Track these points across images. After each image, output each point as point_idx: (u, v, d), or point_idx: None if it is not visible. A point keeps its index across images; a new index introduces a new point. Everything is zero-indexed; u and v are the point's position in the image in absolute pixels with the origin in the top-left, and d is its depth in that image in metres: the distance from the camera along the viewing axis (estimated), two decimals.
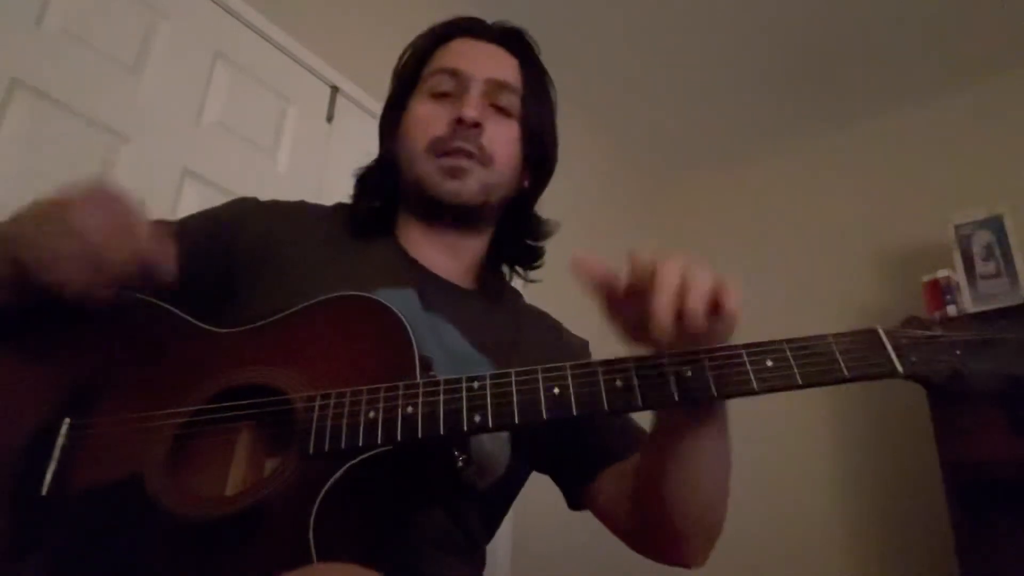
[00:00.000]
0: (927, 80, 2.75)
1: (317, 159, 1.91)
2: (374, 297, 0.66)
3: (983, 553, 1.87)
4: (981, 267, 2.19)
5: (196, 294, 0.75)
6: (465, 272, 0.87)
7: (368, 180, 0.89)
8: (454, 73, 0.83)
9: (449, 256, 0.86)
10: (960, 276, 2.19)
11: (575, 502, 0.83)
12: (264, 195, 0.89)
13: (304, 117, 1.92)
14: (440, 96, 0.83)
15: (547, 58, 0.92)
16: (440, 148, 0.80)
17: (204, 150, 1.66)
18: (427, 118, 0.82)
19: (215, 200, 0.93)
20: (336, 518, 0.57)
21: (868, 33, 2.55)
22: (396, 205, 0.89)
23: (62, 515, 0.61)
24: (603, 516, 0.80)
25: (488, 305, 0.86)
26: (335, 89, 2.00)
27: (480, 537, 0.79)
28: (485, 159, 0.81)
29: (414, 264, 0.83)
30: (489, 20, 0.92)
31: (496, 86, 0.83)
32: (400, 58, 0.91)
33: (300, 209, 0.88)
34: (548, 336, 0.89)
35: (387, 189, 0.88)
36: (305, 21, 1.96)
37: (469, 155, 0.80)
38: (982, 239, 2.22)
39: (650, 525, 0.73)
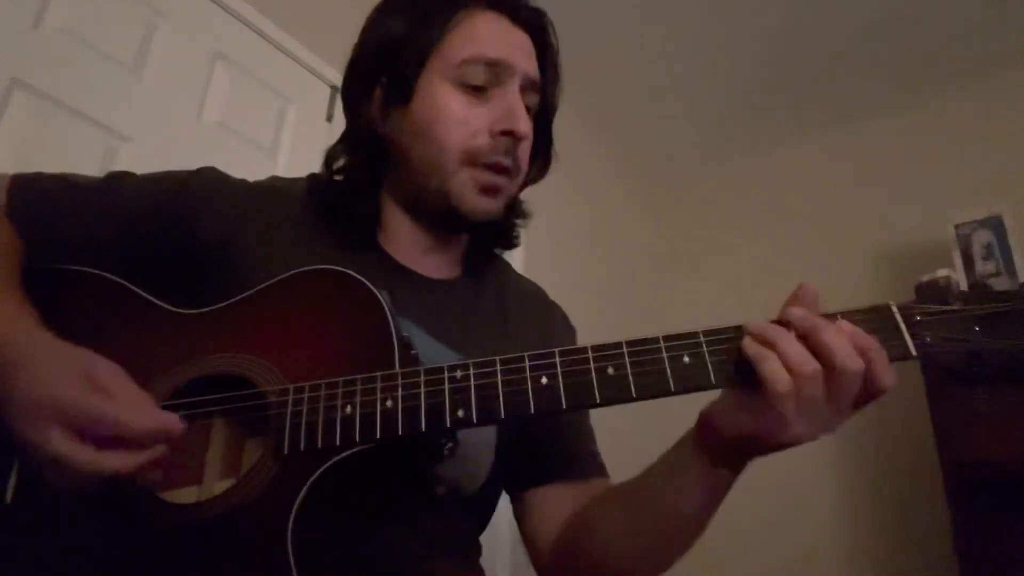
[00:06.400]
0: (927, 80, 2.74)
1: (317, 159, 1.89)
2: (344, 270, 0.62)
3: (983, 552, 1.87)
4: (981, 267, 2.18)
5: (155, 268, 0.72)
6: (450, 262, 0.82)
7: (354, 174, 0.78)
8: (494, 65, 0.72)
9: (436, 251, 0.80)
10: (960, 276, 2.19)
11: (514, 505, 0.79)
12: None
13: (304, 117, 1.92)
14: (473, 90, 0.72)
15: None
16: (478, 160, 0.71)
17: (204, 150, 1.65)
18: (464, 120, 0.71)
19: None
20: (317, 521, 0.54)
21: (868, 33, 2.55)
22: (379, 192, 0.80)
23: (28, 523, 0.58)
24: (525, 531, 0.76)
25: (471, 296, 0.81)
26: (335, 89, 2.00)
27: (474, 533, 0.78)
28: (518, 173, 0.75)
29: (390, 262, 0.77)
30: None
31: (529, 86, 0.75)
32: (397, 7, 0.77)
33: (270, 194, 0.79)
34: (536, 322, 0.84)
35: (376, 184, 0.79)
36: (305, 21, 1.96)
37: (506, 171, 0.73)
38: (982, 239, 2.21)
39: (576, 563, 0.69)
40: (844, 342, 0.50)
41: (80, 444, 0.52)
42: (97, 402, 0.53)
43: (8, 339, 0.57)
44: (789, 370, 0.50)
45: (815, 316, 0.53)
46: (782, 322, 0.53)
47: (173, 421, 0.55)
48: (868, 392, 0.51)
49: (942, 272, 2.23)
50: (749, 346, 0.52)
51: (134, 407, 0.54)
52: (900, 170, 2.79)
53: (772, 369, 0.50)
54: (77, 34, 1.48)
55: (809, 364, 0.50)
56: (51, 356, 0.56)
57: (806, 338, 0.51)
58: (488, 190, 0.73)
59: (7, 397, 0.54)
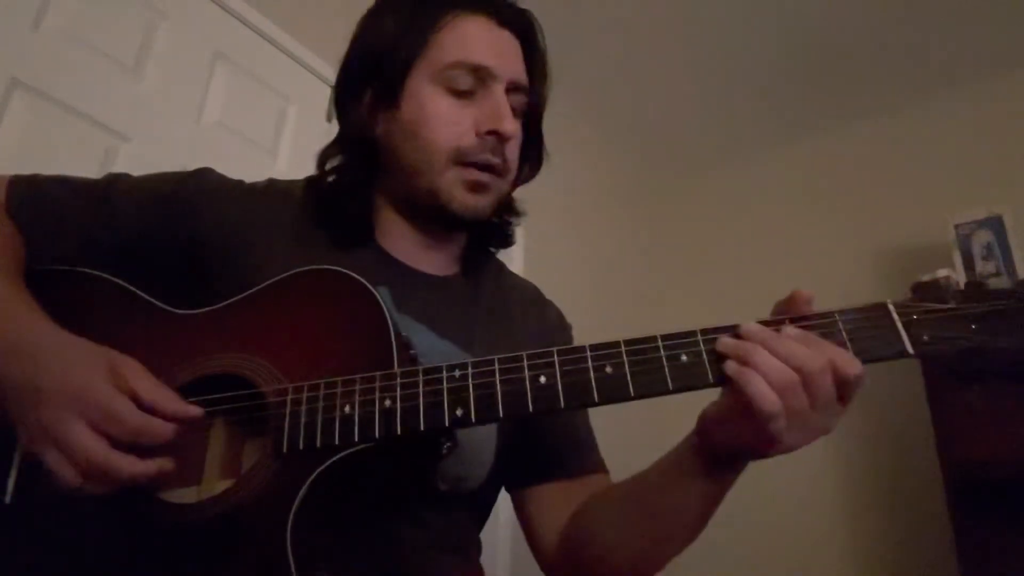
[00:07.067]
0: (927, 80, 2.74)
1: None
2: (343, 270, 0.62)
3: (983, 552, 1.87)
4: (981, 267, 2.18)
5: (153, 269, 0.72)
6: (448, 260, 0.83)
7: (346, 175, 0.79)
8: (478, 70, 0.73)
9: (434, 249, 0.81)
10: (960, 276, 2.19)
11: (515, 503, 0.80)
12: None
13: (304, 117, 1.92)
14: (460, 94, 0.74)
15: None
16: (465, 159, 0.73)
17: (204, 150, 1.65)
18: (451, 121, 0.73)
19: None
20: (317, 520, 0.54)
21: (868, 33, 2.55)
22: (372, 192, 0.80)
23: (27, 523, 0.58)
24: (528, 528, 0.77)
25: (471, 292, 0.81)
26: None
27: (474, 530, 0.78)
28: (507, 172, 0.76)
29: (390, 260, 0.78)
30: None
31: (515, 88, 0.76)
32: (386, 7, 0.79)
33: (269, 196, 0.80)
34: (535, 317, 0.86)
35: (368, 185, 0.80)
36: (305, 21, 1.96)
37: (494, 170, 0.74)
38: (982, 239, 2.22)
39: (577, 560, 0.70)
40: (800, 346, 0.51)
41: (99, 440, 0.53)
42: (122, 400, 0.54)
43: (20, 330, 0.58)
44: (771, 384, 0.50)
45: (763, 329, 0.53)
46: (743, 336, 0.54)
47: (197, 411, 0.58)
48: (842, 386, 0.51)
49: (942, 272, 2.23)
50: (732, 368, 0.52)
51: (159, 393, 0.56)
52: (900, 170, 2.79)
53: (758, 389, 0.50)
54: (77, 34, 1.48)
55: (786, 374, 0.50)
56: (72, 350, 0.57)
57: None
58: (476, 187, 0.74)
59: (31, 387, 0.54)
